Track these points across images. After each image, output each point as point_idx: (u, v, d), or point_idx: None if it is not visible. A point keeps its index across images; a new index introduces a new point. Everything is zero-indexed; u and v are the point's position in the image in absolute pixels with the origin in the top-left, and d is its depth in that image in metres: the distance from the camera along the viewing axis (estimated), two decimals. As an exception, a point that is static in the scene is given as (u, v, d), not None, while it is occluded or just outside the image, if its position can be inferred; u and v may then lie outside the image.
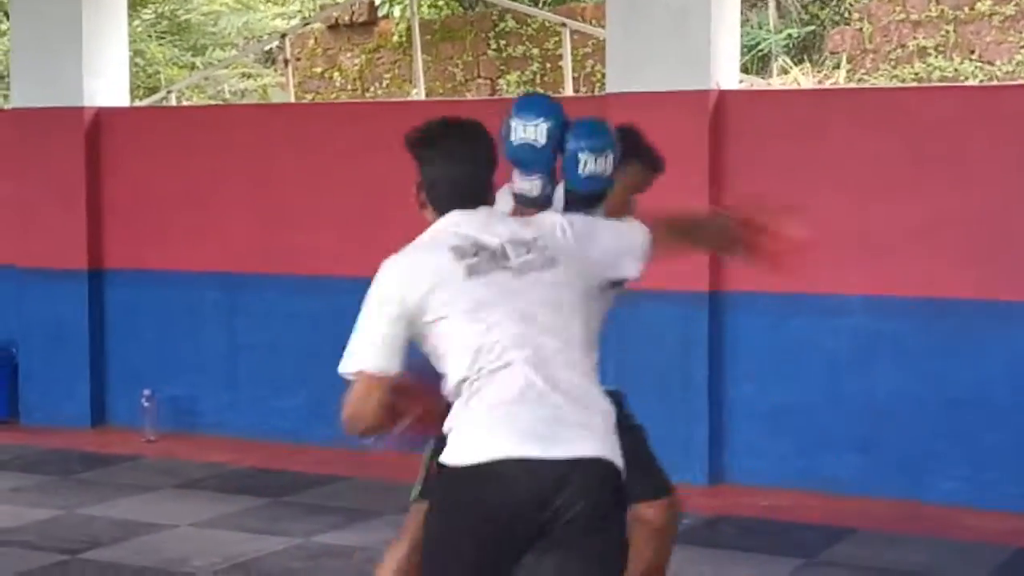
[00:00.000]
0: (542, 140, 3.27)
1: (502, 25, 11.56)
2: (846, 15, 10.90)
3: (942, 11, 9.52)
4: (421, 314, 2.74)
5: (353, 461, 6.52)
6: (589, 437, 2.65)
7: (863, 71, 9.81)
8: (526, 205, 3.31)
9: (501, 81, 11.48)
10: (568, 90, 8.81)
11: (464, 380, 2.68)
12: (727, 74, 6.14)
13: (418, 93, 9.83)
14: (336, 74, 12.40)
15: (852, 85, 9.50)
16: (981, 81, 9.10)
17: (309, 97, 12.17)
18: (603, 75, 8.15)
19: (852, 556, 5.10)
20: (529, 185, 3.30)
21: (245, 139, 7.22)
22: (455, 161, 2.91)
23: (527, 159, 3.27)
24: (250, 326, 7.13)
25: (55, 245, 7.44)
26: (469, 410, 2.67)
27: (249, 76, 13.30)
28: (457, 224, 2.84)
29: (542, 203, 3.29)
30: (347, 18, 12.39)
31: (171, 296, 7.30)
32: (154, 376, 7.20)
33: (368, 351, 2.79)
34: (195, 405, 7.21)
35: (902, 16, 9.71)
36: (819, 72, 10.36)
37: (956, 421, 5.68)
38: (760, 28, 11.45)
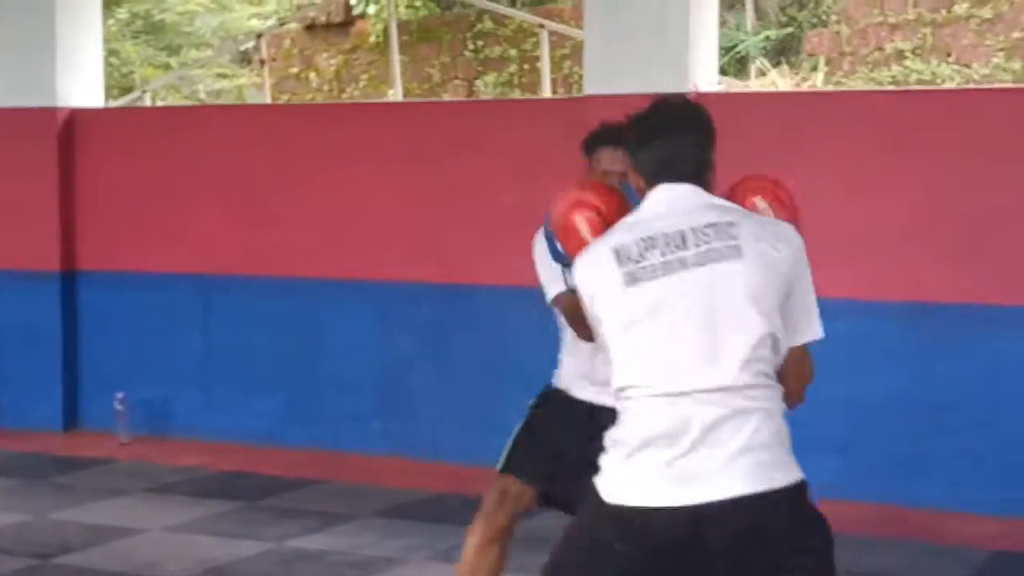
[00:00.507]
0: None
1: (479, 26, 11.52)
2: (824, 17, 10.91)
3: (919, 14, 9.53)
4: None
5: (328, 464, 6.48)
6: None
7: (841, 73, 9.81)
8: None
9: (479, 82, 11.45)
10: (546, 92, 8.79)
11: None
12: (705, 76, 6.12)
13: (395, 94, 9.79)
14: (312, 74, 12.34)
15: (829, 87, 9.50)
16: (958, 84, 9.11)
17: (285, 98, 12.11)
18: (581, 76, 8.13)
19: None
20: None
21: (220, 140, 7.16)
22: (668, 131, 2.73)
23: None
24: (225, 328, 7.07)
25: (28, 246, 7.36)
26: None
27: (225, 76, 13.24)
28: (657, 203, 2.67)
29: None
30: (323, 18, 12.33)
31: (145, 298, 7.24)
32: (127, 379, 7.14)
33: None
34: (169, 408, 7.15)
35: (880, 19, 9.71)
36: (797, 74, 10.36)
37: (938, 424, 5.67)
38: (738, 30, 11.45)
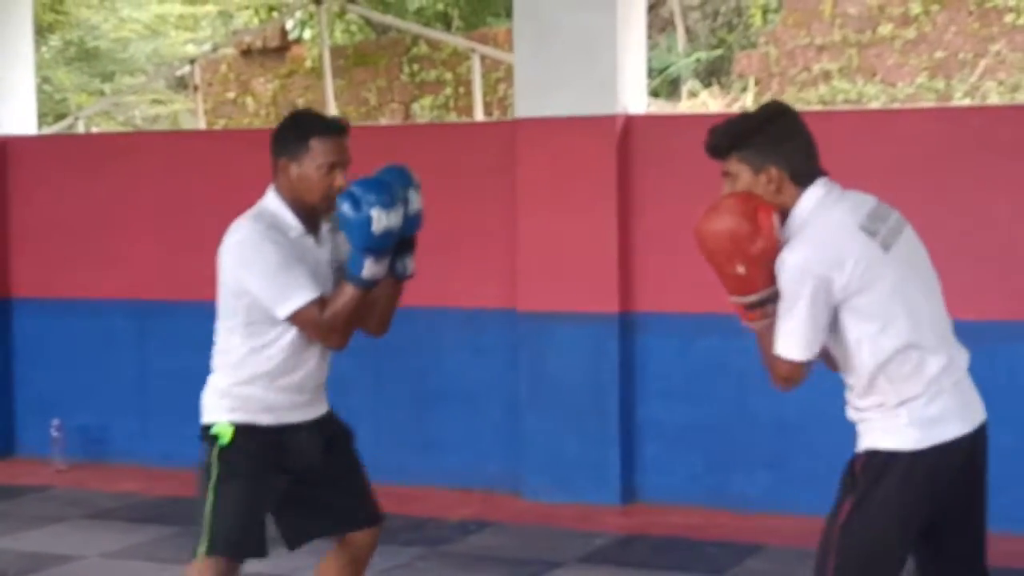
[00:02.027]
0: (399, 222, 3.27)
1: (415, 50, 11.60)
2: (753, 39, 11.09)
3: (845, 35, 9.72)
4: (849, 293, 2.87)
5: (266, 488, 6.49)
6: None
7: (770, 93, 9.98)
8: (373, 287, 3.29)
9: (415, 105, 11.52)
10: (478, 115, 8.88)
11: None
12: (634, 99, 6.22)
13: (330, 118, 9.82)
14: (249, 100, 12.35)
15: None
16: (884, 103, 9.30)
17: (222, 123, 12.11)
18: (514, 99, 8.21)
19: (762, 572, 5.18)
20: (382, 268, 3.29)
21: (154, 166, 7.18)
22: (805, 132, 3.00)
23: (388, 244, 3.26)
24: (161, 353, 7.07)
25: (-39, 274, 7.33)
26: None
27: (160, 102, 13.22)
28: (831, 189, 2.97)
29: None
30: (259, 44, 12.35)
31: (80, 324, 7.22)
32: (64, 405, 7.12)
33: (815, 344, 2.90)
34: (105, 434, 7.13)
35: (807, 40, 9.89)
36: (728, 95, 10.51)
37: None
38: (669, 52, 11.60)
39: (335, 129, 3.40)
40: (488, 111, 10.46)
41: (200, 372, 6.94)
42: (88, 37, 13.39)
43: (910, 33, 9.55)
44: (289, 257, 3.33)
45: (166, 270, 7.07)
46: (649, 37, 10.36)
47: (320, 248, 3.46)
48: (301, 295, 3.30)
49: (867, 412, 2.92)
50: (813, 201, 2.92)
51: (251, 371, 3.43)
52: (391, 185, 3.28)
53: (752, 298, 2.92)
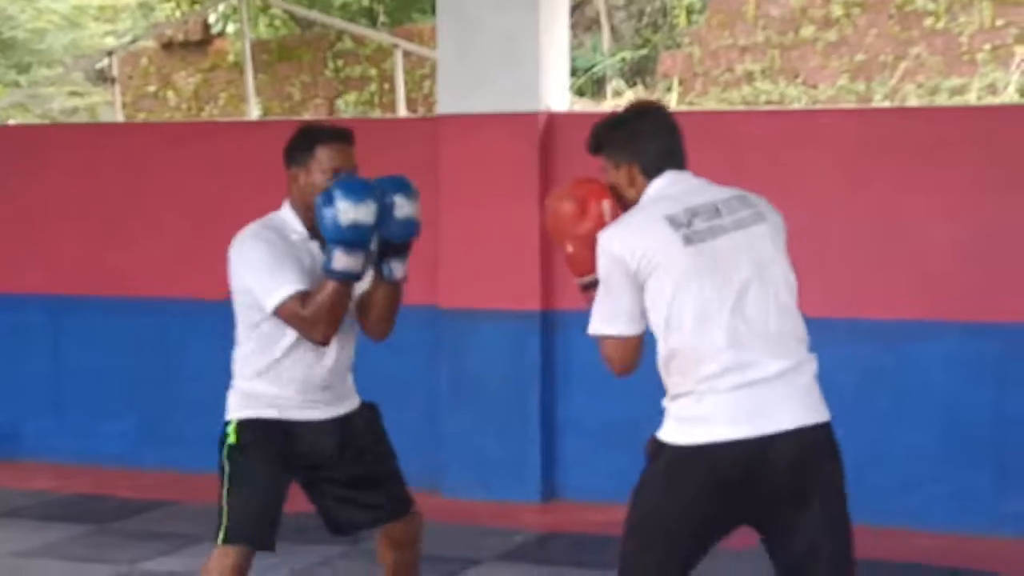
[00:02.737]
0: (371, 219, 3.37)
1: (339, 45, 11.52)
2: (677, 40, 11.14)
3: (768, 37, 9.80)
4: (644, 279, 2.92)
5: (182, 486, 6.42)
6: None
7: (694, 94, 10.04)
8: (349, 280, 3.41)
9: (339, 101, 11.44)
10: (401, 111, 8.84)
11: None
12: (557, 97, 6.23)
13: (252, 113, 9.74)
14: (170, 93, 12.20)
15: (682, 108, 9.71)
16: (805, 104, 9.39)
17: (142, 116, 11.95)
18: (438, 96, 8.17)
19: None
20: (353, 262, 3.39)
21: (71, 158, 7.06)
22: (665, 129, 3.12)
23: (358, 238, 3.37)
24: (76, 349, 6.97)
25: None
26: None
27: (78, 95, 13.01)
28: (673, 183, 3.03)
29: (362, 277, 3.47)
30: (180, 37, 12.20)
31: (-7, 319, 7.09)
32: (-25, 402, 6.99)
33: (617, 319, 2.96)
34: (19, 431, 7.01)
35: (730, 41, 9.96)
36: (652, 94, 10.56)
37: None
38: (595, 51, 11.63)
39: (339, 137, 3.58)
40: (413, 108, 10.42)
41: (116, 367, 6.90)
42: (4, 27, 13.14)
43: (832, 35, 9.65)
44: (281, 254, 3.46)
45: (83, 264, 6.96)
46: (574, 36, 10.38)
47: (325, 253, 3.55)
48: (284, 288, 3.41)
49: (665, 400, 3.02)
50: (651, 192, 3.06)
51: (256, 367, 3.56)
52: (365, 184, 3.41)
53: (585, 279, 3.13)
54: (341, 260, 3.37)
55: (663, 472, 2.92)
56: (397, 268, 3.56)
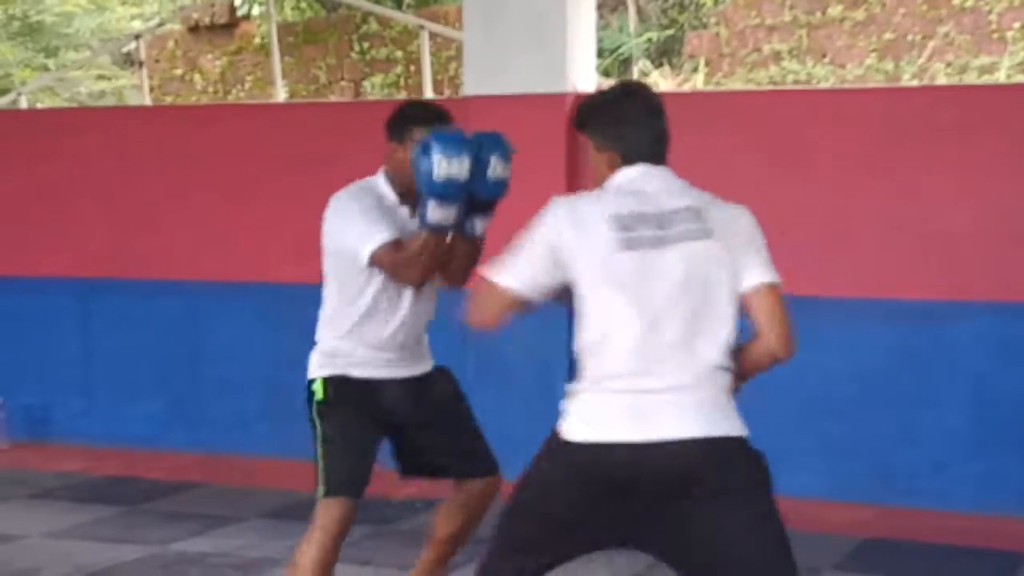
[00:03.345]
0: (465, 175, 3.46)
1: (365, 27, 11.52)
2: (704, 20, 11.10)
3: (795, 17, 9.75)
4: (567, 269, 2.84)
5: (212, 467, 6.46)
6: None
7: (721, 74, 10.00)
8: (440, 232, 3.53)
9: (365, 83, 11.45)
10: (428, 93, 8.84)
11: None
12: (584, 77, 6.20)
13: (278, 95, 9.75)
14: (197, 76, 12.23)
15: (710, 88, 9.67)
16: (833, 84, 9.34)
17: (169, 99, 11.98)
18: (464, 78, 8.17)
19: (630, 564, 5.18)
20: (446, 214, 3.50)
21: (99, 142, 7.09)
22: (650, 115, 2.96)
23: (451, 192, 3.45)
24: (105, 332, 7.00)
25: (-98, 251, 7.22)
26: None
27: (105, 78, 13.06)
28: (638, 179, 2.90)
29: (454, 230, 3.58)
30: (207, 20, 12.22)
31: (23, 302, 7.13)
32: (6, 384, 7.04)
33: (513, 273, 2.90)
34: (49, 413, 7.06)
35: (757, 21, 9.92)
36: (678, 75, 10.53)
37: (807, 415, 5.82)
38: (621, 32, 11.60)
39: (435, 119, 3.68)
40: (439, 90, 10.41)
41: (145, 350, 6.93)
42: (32, 11, 13.19)
43: (859, 15, 9.60)
44: (377, 210, 3.62)
45: (111, 247, 6.99)
46: (601, 17, 10.34)
47: (414, 221, 3.67)
48: (381, 235, 3.55)
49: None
50: (617, 180, 2.92)
51: (340, 327, 3.70)
52: (462, 139, 3.49)
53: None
54: (434, 212, 3.48)
55: (547, 460, 2.88)
56: (479, 225, 3.67)
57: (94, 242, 7.03)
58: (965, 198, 5.64)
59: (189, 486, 6.14)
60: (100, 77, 13.07)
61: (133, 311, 6.98)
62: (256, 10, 11.97)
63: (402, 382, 3.76)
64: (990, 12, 9.14)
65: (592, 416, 2.82)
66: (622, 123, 2.94)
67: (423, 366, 3.84)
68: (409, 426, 3.80)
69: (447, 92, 10.63)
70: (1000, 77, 8.82)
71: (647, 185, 2.90)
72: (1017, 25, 9.04)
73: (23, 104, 9.12)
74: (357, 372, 3.71)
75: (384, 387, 3.73)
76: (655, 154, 2.95)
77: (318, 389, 3.70)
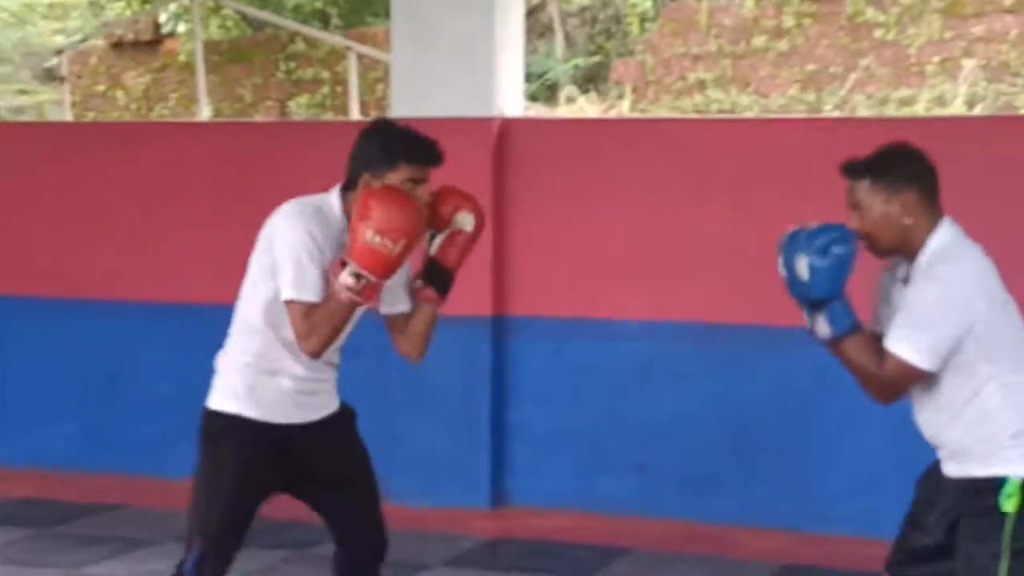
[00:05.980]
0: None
1: (292, 47, 11.45)
2: (631, 47, 11.17)
3: (720, 46, 9.84)
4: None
5: (128, 489, 6.35)
6: None
7: (646, 101, 10.06)
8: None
9: (291, 103, 11.37)
10: (354, 114, 8.81)
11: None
12: (511, 102, 6.22)
13: (202, 114, 9.67)
14: (120, 93, 12.08)
15: (635, 115, 9.74)
16: (756, 113, 9.44)
17: (91, 115, 11.82)
18: (391, 100, 8.15)
19: (627, 574, 5.20)
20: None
21: (16, 157, 6.97)
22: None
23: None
24: (20, 352, 6.87)
25: None
26: None
27: (25, 92, 12.86)
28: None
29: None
30: (131, 36, 12.09)
31: (-64, 320, 6.99)
32: (-83, 404, 6.88)
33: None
34: (-40, 434, 6.90)
35: (683, 50, 10.00)
36: (605, 101, 10.58)
37: (730, 442, 5.85)
38: (548, 57, 11.64)
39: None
40: (366, 111, 10.37)
41: (62, 370, 6.80)
42: (-50, 24, 12.98)
43: (783, 46, 9.71)
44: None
45: (27, 265, 6.87)
46: (528, 42, 10.37)
47: None
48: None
49: None
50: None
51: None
52: None
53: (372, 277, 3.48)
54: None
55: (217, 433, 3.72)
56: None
57: (8, 260, 6.90)
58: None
59: (105, 508, 6.04)
60: (20, 92, 12.87)
61: (49, 330, 6.85)
62: (181, 27, 11.86)
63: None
64: (909, 46, 9.30)
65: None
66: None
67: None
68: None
69: (373, 113, 10.59)
70: (919, 110, 8.97)
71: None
72: (936, 59, 9.21)
73: (-60, 118, 8.97)
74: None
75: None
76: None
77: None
